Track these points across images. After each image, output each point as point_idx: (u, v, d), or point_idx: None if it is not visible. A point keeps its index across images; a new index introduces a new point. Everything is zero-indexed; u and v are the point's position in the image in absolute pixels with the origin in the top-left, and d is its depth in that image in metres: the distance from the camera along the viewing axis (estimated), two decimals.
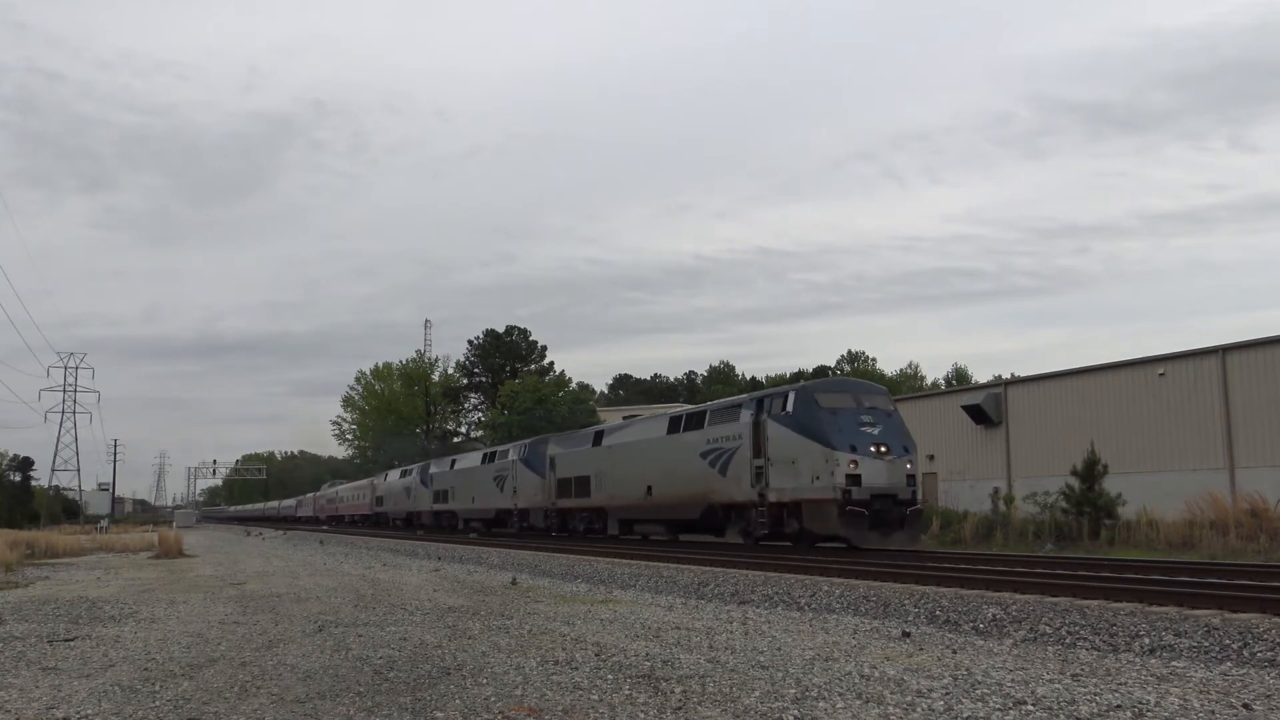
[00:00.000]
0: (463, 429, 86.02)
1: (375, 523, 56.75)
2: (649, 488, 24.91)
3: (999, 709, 5.19)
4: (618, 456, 27.05)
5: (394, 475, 53.24)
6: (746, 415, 21.06)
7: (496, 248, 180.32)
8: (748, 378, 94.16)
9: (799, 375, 76.72)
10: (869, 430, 18.63)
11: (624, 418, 33.06)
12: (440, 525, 44.01)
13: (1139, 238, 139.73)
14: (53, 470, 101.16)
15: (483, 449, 42.42)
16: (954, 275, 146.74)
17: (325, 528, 66.98)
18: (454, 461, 43.92)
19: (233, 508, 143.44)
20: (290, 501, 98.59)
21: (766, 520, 19.92)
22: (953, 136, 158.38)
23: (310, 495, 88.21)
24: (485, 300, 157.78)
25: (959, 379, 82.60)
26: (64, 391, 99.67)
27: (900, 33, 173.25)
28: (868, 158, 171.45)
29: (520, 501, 33.83)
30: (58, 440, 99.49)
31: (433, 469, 45.65)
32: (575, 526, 29.95)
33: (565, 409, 55.16)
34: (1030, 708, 5.20)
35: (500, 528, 36.64)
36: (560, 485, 30.57)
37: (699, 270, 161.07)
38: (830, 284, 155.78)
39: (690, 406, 28.76)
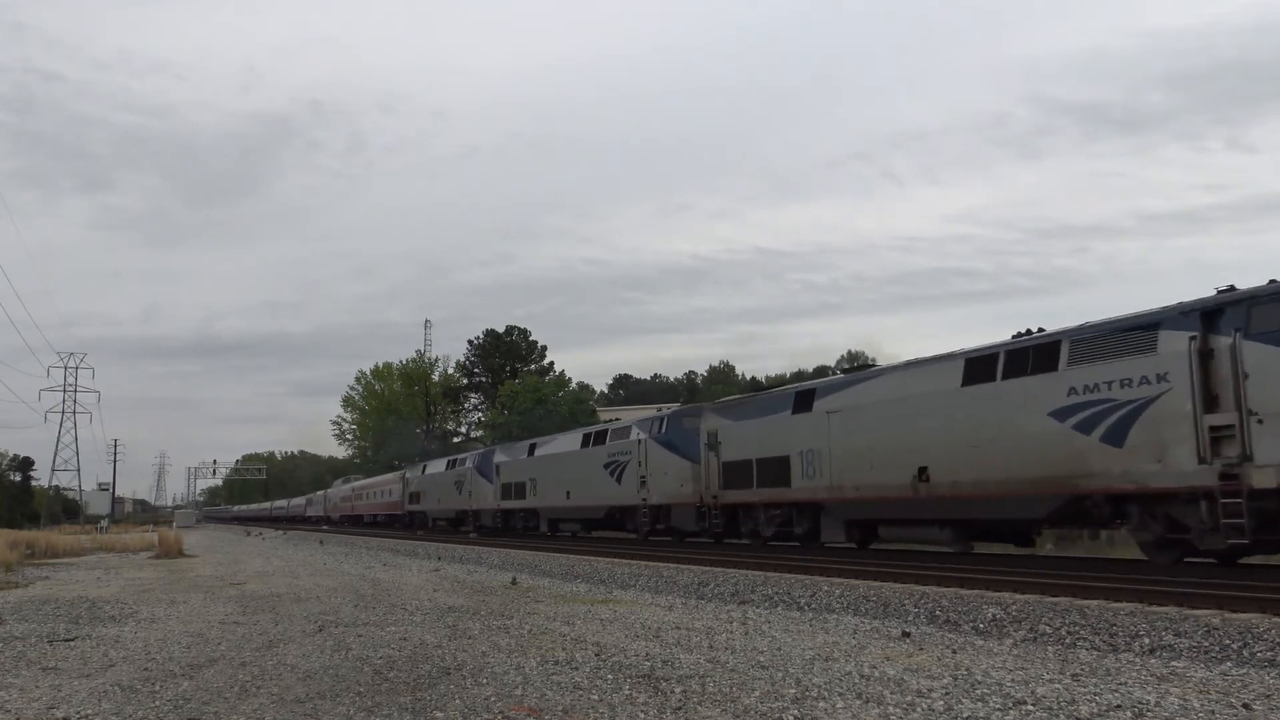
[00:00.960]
0: (463, 429, 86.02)
1: (407, 524, 48.19)
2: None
3: (999, 709, 5.19)
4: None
5: (436, 467, 45.15)
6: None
7: (495, 248, 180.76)
8: (748, 378, 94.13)
9: (799, 375, 76.63)
10: None
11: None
12: (510, 528, 35.84)
13: (1136, 238, 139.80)
14: (53, 470, 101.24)
15: (584, 430, 32.37)
16: (953, 275, 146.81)
17: (325, 528, 64.75)
18: (533, 447, 34.61)
19: (236, 507, 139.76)
20: (299, 500, 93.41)
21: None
22: (950, 137, 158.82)
23: (321, 493, 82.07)
24: (483, 300, 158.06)
25: None
26: (64, 391, 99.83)
27: (898, 33, 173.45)
28: (865, 158, 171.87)
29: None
30: (58, 440, 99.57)
31: (500, 456, 36.27)
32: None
33: (565, 409, 55.14)
34: (1030, 708, 5.20)
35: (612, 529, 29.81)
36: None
37: (697, 270, 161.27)
38: (829, 284, 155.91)
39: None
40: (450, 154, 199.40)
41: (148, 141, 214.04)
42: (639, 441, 25.02)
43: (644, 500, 24.61)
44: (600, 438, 27.88)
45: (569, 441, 30.79)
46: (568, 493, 29.36)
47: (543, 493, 31.38)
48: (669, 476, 23.55)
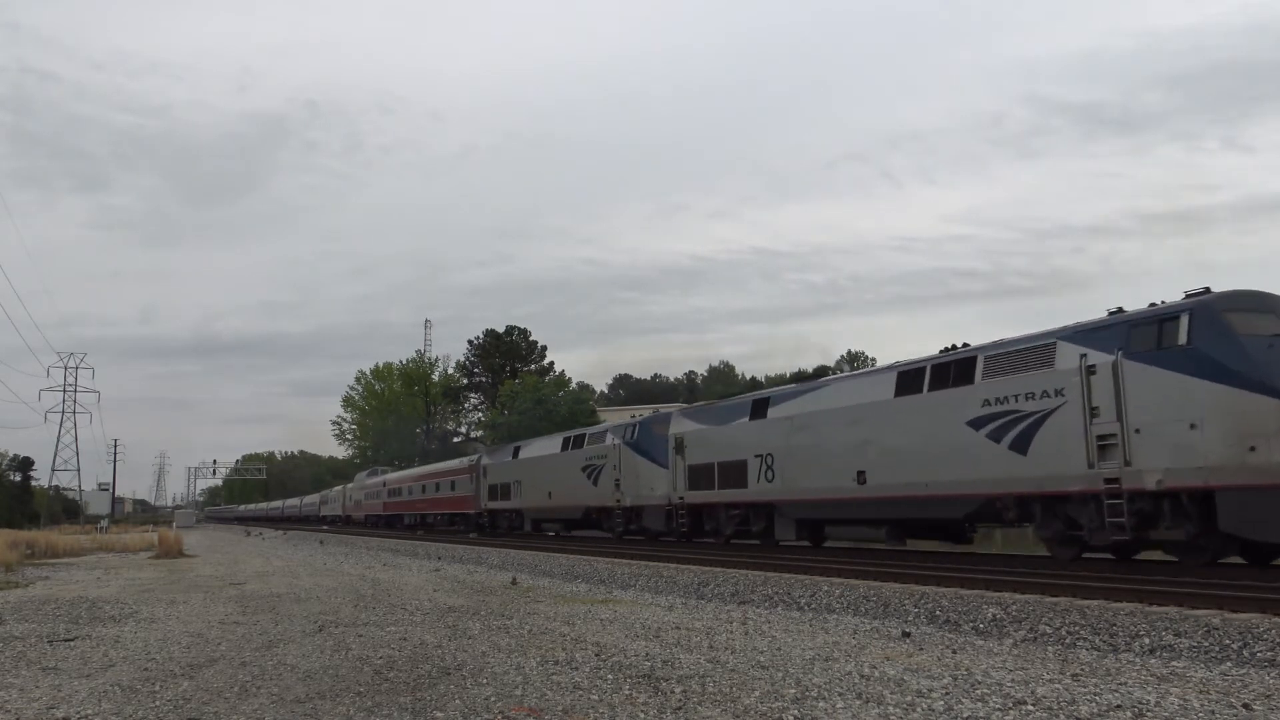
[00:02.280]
0: (463, 429, 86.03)
1: (482, 528, 36.56)
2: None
3: (999, 709, 5.19)
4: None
5: (542, 446, 32.55)
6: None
7: (493, 248, 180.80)
8: (748, 378, 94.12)
9: (799, 375, 76.64)
10: None
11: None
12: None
13: (1134, 238, 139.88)
14: (53, 470, 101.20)
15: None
16: (950, 275, 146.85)
17: (326, 528, 62.39)
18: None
19: (241, 507, 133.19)
20: (312, 498, 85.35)
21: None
22: (947, 137, 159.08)
23: (339, 489, 72.04)
24: (482, 300, 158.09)
25: None
26: (64, 391, 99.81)
27: (894, 34, 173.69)
28: (863, 158, 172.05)
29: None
30: (58, 440, 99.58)
31: (688, 425, 23.74)
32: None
33: (565, 409, 55.11)
34: (1030, 708, 5.20)
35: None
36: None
37: (695, 270, 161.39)
38: (827, 284, 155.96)
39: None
40: (448, 154, 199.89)
41: (145, 141, 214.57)
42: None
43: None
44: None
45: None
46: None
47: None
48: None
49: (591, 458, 27.29)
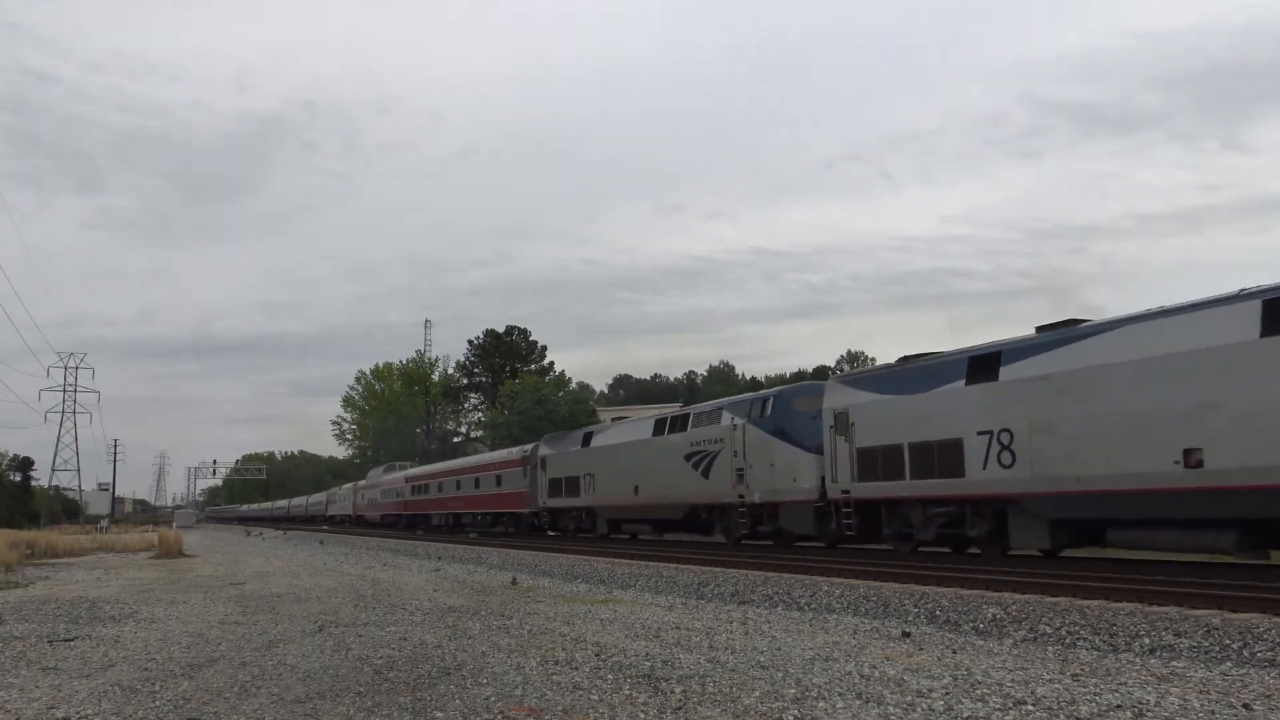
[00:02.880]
0: (463, 429, 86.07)
1: (539, 528, 32.27)
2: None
3: (999, 709, 5.19)
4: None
5: (623, 431, 27.95)
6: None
7: (491, 248, 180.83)
8: (748, 378, 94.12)
9: (799, 375, 76.69)
10: None
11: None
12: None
13: (1133, 238, 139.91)
14: (53, 470, 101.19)
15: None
16: (949, 275, 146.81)
17: (326, 528, 61.50)
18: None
19: (244, 506, 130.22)
20: (319, 497, 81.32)
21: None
22: (945, 137, 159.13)
23: (348, 487, 67.75)
24: (481, 301, 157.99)
25: None
26: (64, 391, 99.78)
27: (892, 34, 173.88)
28: (861, 158, 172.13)
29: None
30: (58, 440, 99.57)
31: (856, 395, 19.28)
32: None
33: (565, 409, 55.11)
34: (1030, 708, 5.20)
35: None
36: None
37: (694, 271, 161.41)
38: (825, 284, 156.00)
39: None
40: (446, 154, 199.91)
41: (143, 142, 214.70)
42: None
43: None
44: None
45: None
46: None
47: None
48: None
49: (700, 443, 22.49)
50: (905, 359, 18.05)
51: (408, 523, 48.36)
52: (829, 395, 18.90)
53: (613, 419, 34.35)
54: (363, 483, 62.18)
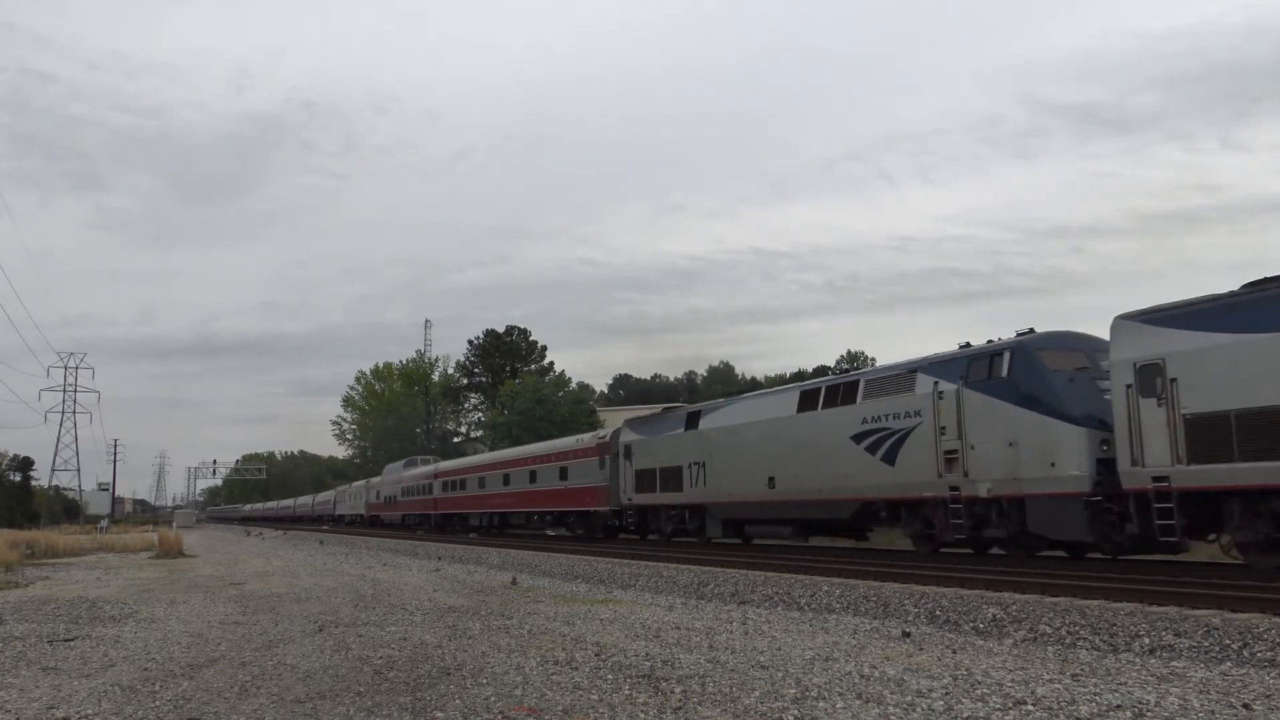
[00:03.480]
0: (463, 429, 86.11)
1: (612, 528, 27.78)
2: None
3: (999, 709, 5.19)
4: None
5: (753, 407, 22.12)
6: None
7: (490, 248, 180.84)
8: (748, 378, 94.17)
9: (799, 375, 76.71)
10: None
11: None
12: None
13: (1132, 238, 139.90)
14: (53, 470, 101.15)
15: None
16: (948, 275, 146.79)
17: (326, 527, 60.78)
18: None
19: (246, 506, 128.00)
20: (326, 495, 77.47)
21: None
22: (944, 137, 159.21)
23: (359, 484, 63.22)
24: (480, 301, 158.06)
25: None
26: (64, 391, 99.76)
27: (890, 34, 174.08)
28: (859, 158, 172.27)
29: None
30: (58, 440, 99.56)
31: (1174, 340, 12.95)
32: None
33: (565, 409, 55.14)
34: (1030, 708, 5.20)
35: None
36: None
37: (693, 271, 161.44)
38: (824, 284, 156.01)
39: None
40: (445, 154, 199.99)
41: (142, 142, 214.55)
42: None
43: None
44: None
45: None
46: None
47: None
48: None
49: (879, 418, 17.06)
50: (1259, 284, 12.27)
51: (437, 524, 43.31)
52: (1123, 341, 13.35)
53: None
54: (378, 479, 57.44)
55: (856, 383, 18.02)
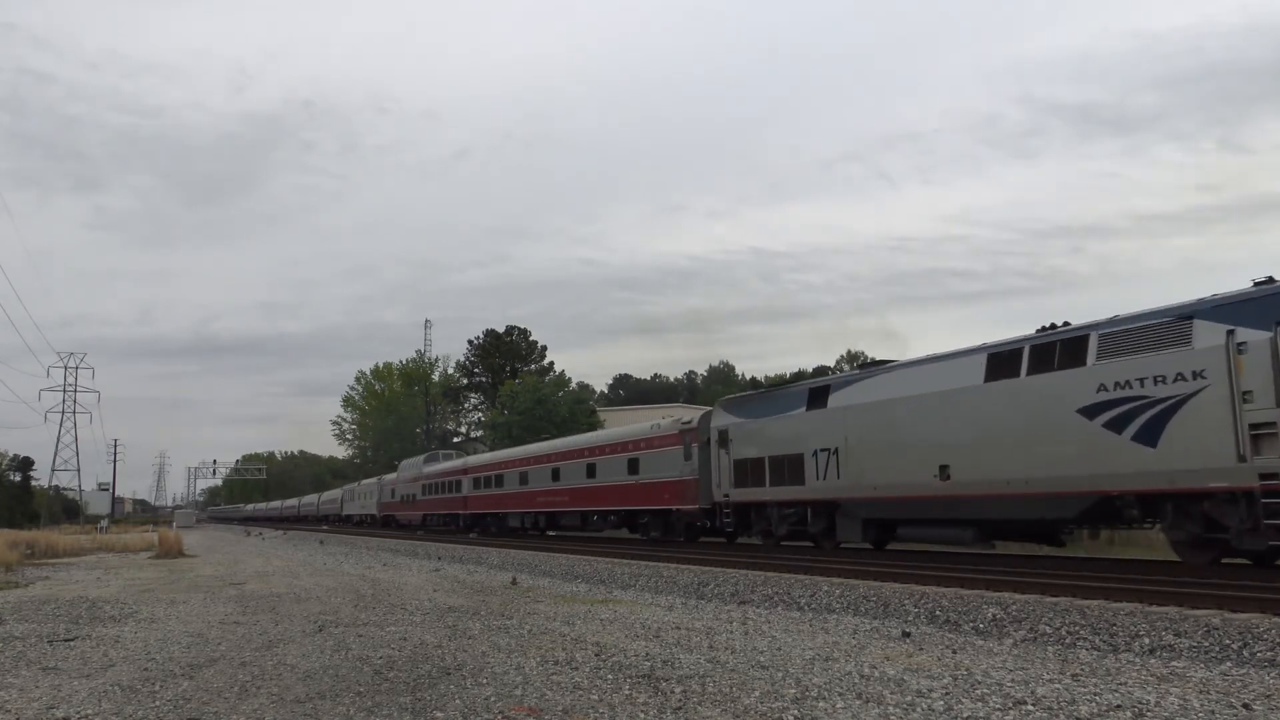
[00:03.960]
0: (463, 429, 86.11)
1: (699, 530, 23.90)
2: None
3: (999, 709, 5.19)
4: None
5: (905, 379, 17.24)
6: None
7: (490, 248, 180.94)
8: (748, 378, 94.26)
9: (799, 375, 76.72)
10: None
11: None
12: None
13: (1131, 238, 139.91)
14: (53, 470, 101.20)
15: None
16: (947, 275, 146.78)
17: (326, 528, 60.64)
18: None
19: (248, 506, 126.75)
20: (332, 494, 74.75)
21: None
22: (943, 137, 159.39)
23: (370, 482, 60.02)
24: (480, 301, 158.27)
25: None
26: (64, 391, 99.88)
27: (890, 34, 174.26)
28: (859, 159, 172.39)
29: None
30: (58, 440, 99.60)
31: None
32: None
33: (565, 409, 55.12)
34: (1030, 708, 5.20)
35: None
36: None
37: (692, 270, 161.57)
38: (824, 284, 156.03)
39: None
40: (444, 154, 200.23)
41: (141, 142, 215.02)
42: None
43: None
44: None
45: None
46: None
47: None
48: None
49: (1131, 382, 13.06)
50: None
51: (468, 524, 38.94)
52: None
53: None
54: (392, 476, 53.23)
55: (1084, 338, 13.77)
